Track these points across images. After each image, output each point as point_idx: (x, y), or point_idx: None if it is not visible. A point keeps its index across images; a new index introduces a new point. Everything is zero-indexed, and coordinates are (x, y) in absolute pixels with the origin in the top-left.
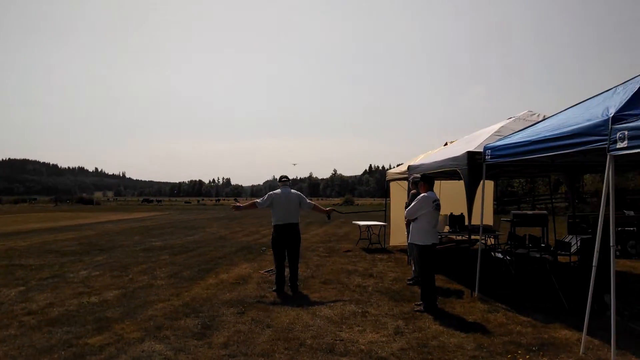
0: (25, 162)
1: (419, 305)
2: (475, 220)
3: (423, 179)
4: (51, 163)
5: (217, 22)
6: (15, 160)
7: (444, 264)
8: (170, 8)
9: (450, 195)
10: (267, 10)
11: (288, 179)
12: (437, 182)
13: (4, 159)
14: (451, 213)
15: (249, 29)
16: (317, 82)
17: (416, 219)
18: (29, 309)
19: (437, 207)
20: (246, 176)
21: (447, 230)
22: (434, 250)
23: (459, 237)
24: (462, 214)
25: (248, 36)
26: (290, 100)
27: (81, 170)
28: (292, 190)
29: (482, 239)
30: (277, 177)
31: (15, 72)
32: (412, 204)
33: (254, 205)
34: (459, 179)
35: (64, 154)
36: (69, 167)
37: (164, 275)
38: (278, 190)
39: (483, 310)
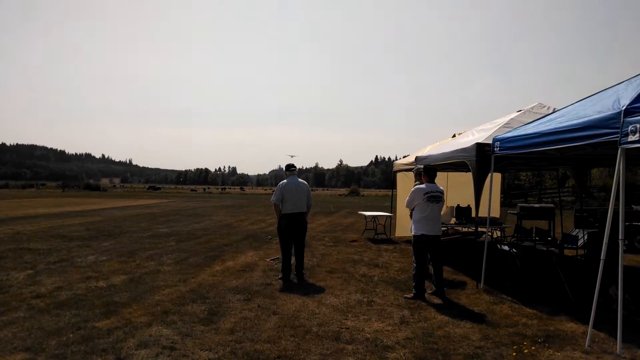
0: (33, 147)
1: (410, 293)
2: (482, 213)
3: (424, 170)
4: (58, 149)
5: (229, 11)
6: (23, 145)
7: (450, 255)
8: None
9: (458, 187)
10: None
11: (295, 167)
12: (444, 174)
13: (12, 144)
14: (458, 205)
15: (258, 18)
16: (325, 75)
17: (413, 209)
18: (38, 292)
19: (431, 198)
20: (252, 166)
21: (453, 222)
22: (423, 240)
23: (466, 229)
24: (469, 205)
25: (255, 26)
26: (298, 90)
27: (88, 156)
28: (301, 180)
29: (489, 231)
30: (283, 166)
31: (19, 57)
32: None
33: (276, 207)
34: (467, 170)
35: (71, 140)
36: (76, 154)
37: (170, 262)
38: (286, 180)
39: (488, 302)
